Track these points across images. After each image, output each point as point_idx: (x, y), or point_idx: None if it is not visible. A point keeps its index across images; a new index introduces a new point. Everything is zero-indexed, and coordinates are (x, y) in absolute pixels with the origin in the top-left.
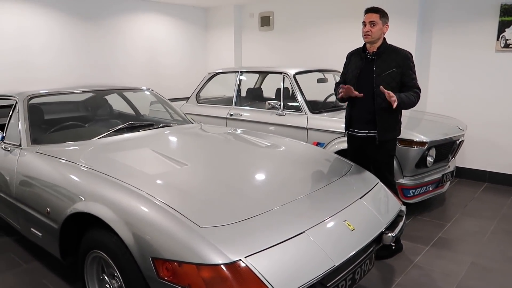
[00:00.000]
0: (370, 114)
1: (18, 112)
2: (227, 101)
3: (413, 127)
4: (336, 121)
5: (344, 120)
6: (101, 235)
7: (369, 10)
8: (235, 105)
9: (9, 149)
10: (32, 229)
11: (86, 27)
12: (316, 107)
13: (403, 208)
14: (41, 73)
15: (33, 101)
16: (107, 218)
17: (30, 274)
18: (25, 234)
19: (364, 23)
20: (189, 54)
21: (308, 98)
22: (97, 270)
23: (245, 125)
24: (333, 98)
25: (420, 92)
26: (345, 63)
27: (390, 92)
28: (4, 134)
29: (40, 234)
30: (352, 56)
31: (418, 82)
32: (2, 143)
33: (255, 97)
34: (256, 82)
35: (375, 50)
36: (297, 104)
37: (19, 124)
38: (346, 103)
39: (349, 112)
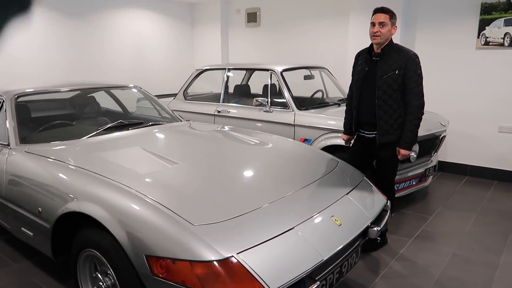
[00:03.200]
0: (374, 116)
1: (5, 111)
2: (214, 98)
3: None
4: (323, 118)
5: (344, 119)
6: (94, 234)
7: (378, 10)
8: (223, 102)
9: None
10: (22, 228)
11: (72, 23)
12: (303, 103)
13: (388, 202)
14: (24, 68)
15: (20, 99)
16: (100, 217)
17: (21, 274)
18: (15, 233)
19: (373, 24)
20: (176, 50)
21: (295, 94)
22: (90, 268)
23: (233, 122)
24: (319, 95)
25: (422, 97)
26: (353, 64)
27: (399, 155)
28: None
29: (32, 234)
30: (360, 57)
31: (422, 85)
32: None
33: (242, 93)
34: (243, 79)
35: (379, 51)
36: (284, 100)
37: (7, 123)
38: (345, 104)
39: (357, 114)
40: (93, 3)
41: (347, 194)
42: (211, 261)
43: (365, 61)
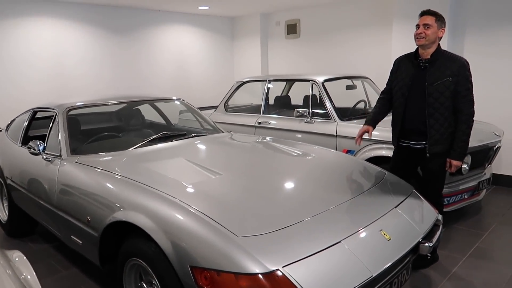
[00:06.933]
0: (423, 125)
1: (58, 123)
2: (255, 110)
3: None
4: None
5: (391, 130)
6: (140, 243)
7: (424, 13)
8: (263, 113)
9: (50, 159)
10: (72, 236)
11: (116, 39)
12: (345, 114)
13: (440, 217)
14: (73, 82)
15: (71, 112)
16: (146, 227)
17: (69, 280)
18: (65, 241)
19: (418, 26)
20: (216, 64)
21: (336, 105)
22: (135, 278)
23: (274, 133)
24: (362, 105)
25: (473, 105)
26: (392, 69)
27: (451, 167)
28: (45, 145)
29: (80, 242)
30: (401, 63)
31: (473, 93)
32: (44, 153)
33: (283, 105)
34: (283, 90)
35: (429, 57)
36: (326, 111)
37: (59, 135)
38: (391, 112)
39: (401, 123)
40: (138, 20)
41: (395, 207)
42: (256, 274)
43: (411, 66)
